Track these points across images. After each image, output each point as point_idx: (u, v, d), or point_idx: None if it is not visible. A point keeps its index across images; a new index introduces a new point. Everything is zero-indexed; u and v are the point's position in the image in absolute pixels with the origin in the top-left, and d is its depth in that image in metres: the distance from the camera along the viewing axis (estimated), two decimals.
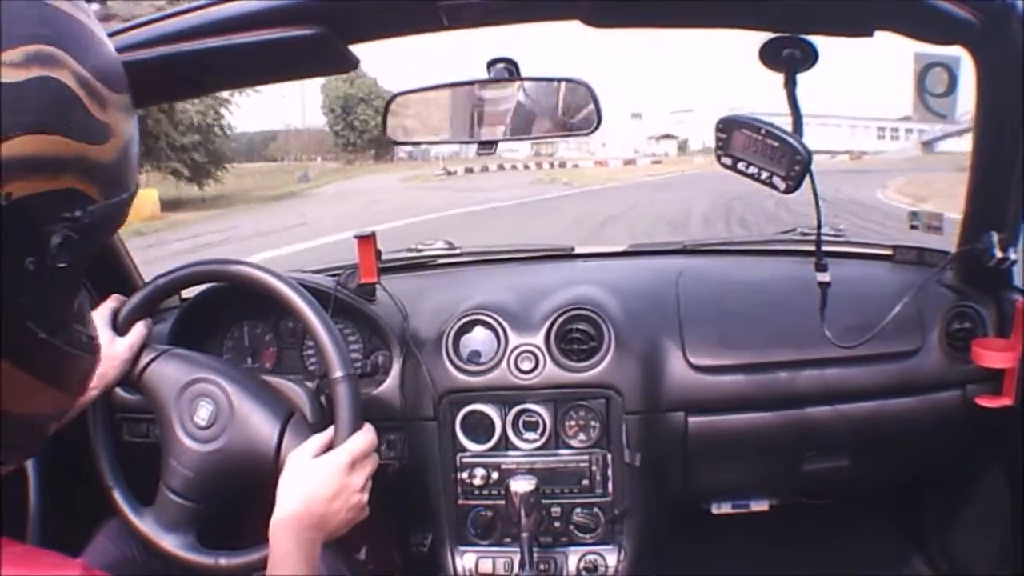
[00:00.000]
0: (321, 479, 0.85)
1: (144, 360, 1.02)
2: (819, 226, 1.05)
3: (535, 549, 1.15)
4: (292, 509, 0.83)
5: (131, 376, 1.02)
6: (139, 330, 1.03)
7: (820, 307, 1.08)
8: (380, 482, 0.93)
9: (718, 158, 0.95)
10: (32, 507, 1.20)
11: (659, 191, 18.54)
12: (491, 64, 1.07)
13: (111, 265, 1.33)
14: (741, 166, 0.93)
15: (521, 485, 1.11)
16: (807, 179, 0.91)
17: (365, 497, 0.89)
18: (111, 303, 1.05)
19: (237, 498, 1.00)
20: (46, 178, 0.45)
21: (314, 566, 0.82)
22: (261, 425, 0.95)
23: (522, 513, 1.10)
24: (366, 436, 0.90)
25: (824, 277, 1.07)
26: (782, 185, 0.90)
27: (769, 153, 0.90)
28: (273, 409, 0.96)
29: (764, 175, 0.91)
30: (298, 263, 1.70)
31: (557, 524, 1.22)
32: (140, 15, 0.97)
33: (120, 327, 1.03)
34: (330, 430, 0.91)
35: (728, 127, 0.94)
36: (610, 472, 1.21)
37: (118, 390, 1.05)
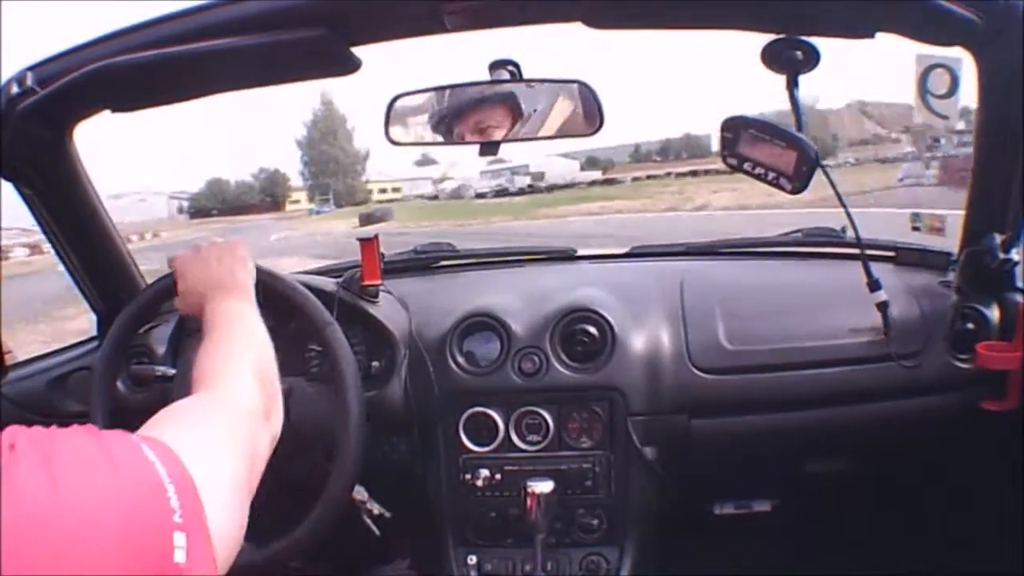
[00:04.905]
0: None
1: None
2: (861, 248, 1.07)
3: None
4: None
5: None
6: None
7: (884, 329, 1.10)
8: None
9: (724, 158, 0.95)
10: None
11: None
12: (493, 66, 1.07)
13: (113, 267, 1.33)
14: (747, 166, 0.92)
15: (539, 486, 1.10)
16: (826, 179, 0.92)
17: None
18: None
19: None
20: None
21: None
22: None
23: (539, 515, 1.10)
24: None
25: (880, 296, 1.09)
26: (789, 186, 0.90)
27: (776, 154, 0.90)
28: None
29: (771, 175, 0.91)
30: None
31: (559, 525, 1.22)
32: None
33: None
34: None
35: (734, 127, 0.94)
36: (613, 474, 1.21)
37: (121, 387, 1.07)
